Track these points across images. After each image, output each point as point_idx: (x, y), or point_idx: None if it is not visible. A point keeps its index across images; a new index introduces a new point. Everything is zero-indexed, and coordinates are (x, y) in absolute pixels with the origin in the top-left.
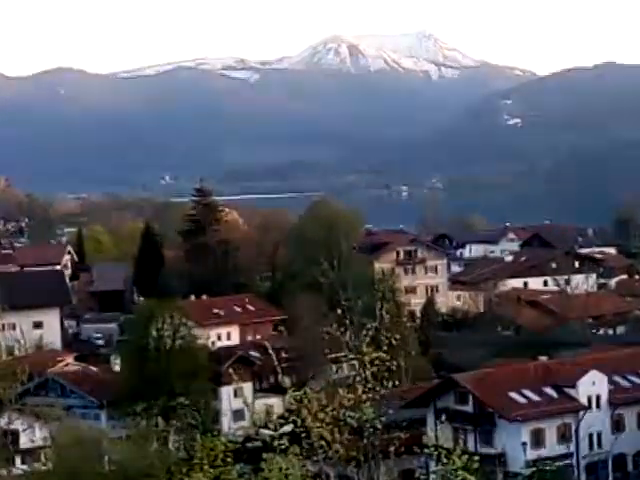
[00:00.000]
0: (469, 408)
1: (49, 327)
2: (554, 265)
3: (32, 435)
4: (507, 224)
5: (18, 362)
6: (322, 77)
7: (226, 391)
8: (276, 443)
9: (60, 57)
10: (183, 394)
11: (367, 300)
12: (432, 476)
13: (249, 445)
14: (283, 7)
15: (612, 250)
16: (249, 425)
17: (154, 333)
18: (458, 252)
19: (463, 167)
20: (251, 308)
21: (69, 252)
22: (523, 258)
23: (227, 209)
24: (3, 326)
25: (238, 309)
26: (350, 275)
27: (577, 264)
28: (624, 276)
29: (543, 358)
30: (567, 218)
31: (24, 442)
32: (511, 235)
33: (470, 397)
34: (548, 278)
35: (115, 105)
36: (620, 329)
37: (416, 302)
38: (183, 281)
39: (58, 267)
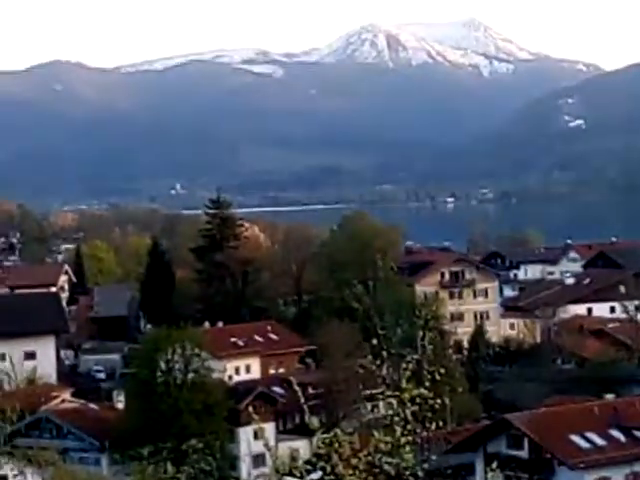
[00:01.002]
0: (524, 453)
1: (43, 358)
2: (622, 289)
3: None
4: (568, 241)
5: (8, 398)
6: (356, 72)
7: (245, 432)
8: None
9: (57, 49)
10: (196, 436)
11: (407, 328)
12: None
13: None
14: None
15: None
16: (271, 472)
17: (163, 365)
18: (511, 273)
19: (517, 176)
20: (274, 337)
21: (66, 272)
22: (587, 281)
23: (247, 223)
24: None
25: (259, 338)
26: (387, 300)
27: None
28: None
29: (610, 396)
30: (637, 234)
31: None
32: (573, 254)
33: (525, 440)
34: (616, 304)
35: (118, 103)
36: None
37: (463, 331)
38: (196, 306)
39: (54, 289)
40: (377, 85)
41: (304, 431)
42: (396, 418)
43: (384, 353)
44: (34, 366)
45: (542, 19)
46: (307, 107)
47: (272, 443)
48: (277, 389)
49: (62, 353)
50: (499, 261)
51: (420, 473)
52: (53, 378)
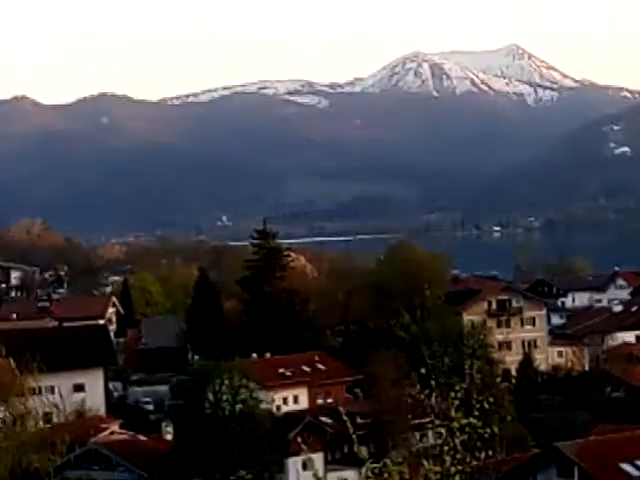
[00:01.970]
0: None
1: (92, 390)
2: None
3: None
4: (616, 268)
5: (57, 430)
6: (400, 101)
7: (294, 463)
8: None
9: (102, 82)
10: (244, 467)
11: (455, 357)
12: None
13: None
14: (354, 22)
15: None
16: None
17: (211, 397)
18: (559, 301)
19: (563, 203)
20: (321, 367)
21: (114, 304)
22: (634, 308)
23: (293, 253)
24: (40, 389)
25: (307, 368)
26: (435, 329)
27: None
28: None
29: None
30: None
31: None
32: (620, 281)
33: (575, 469)
34: None
35: (164, 135)
36: None
37: (511, 359)
38: (243, 337)
39: (102, 321)
40: (421, 114)
41: (353, 461)
42: (445, 447)
43: (432, 382)
44: (83, 398)
45: (586, 46)
46: (352, 137)
47: (321, 473)
48: (325, 419)
49: (111, 385)
50: (546, 289)
51: None
52: (102, 410)
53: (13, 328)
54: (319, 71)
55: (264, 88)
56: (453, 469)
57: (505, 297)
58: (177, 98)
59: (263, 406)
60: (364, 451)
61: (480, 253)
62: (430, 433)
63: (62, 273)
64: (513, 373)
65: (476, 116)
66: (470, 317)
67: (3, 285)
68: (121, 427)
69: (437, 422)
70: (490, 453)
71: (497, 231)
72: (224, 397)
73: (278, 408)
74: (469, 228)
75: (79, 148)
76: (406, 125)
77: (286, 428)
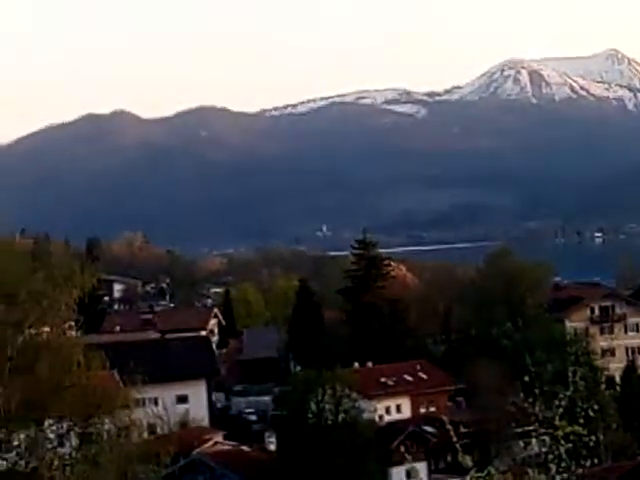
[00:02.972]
0: None
1: (195, 401)
2: None
3: None
4: None
5: (161, 442)
6: (499, 109)
7: (397, 472)
8: None
9: (201, 95)
10: (348, 476)
11: (558, 365)
12: None
13: None
14: (451, 30)
15: None
16: None
17: (313, 407)
18: None
19: None
20: (424, 376)
21: (215, 315)
22: None
23: (393, 263)
24: (144, 401)
25: (409, 377)
26: (537, 336)
27: None
28: None
29: None
30: None
31: None
32: None
33: None
34: None
35: (263, 147)
36: None
37: (615, 366)
38: (345, 346)
39: (204, 333)
40: (520, 121)
41: (456, 470)
42: (550, 456)
43: (536, 390)
44: (186, 409)
45: None
46: (450, 146)
47: None
48: (428, 428)
49: (213, 396)
50: None
51: None
52: (205, 421)
53: (117, 340)
54: (417, 80)
55: (362, 98)
56: (558, 477)
57: (608, 303)
58: (275, 109)
59: (366, 415)
60: (468, 460)
61: (582, 260)
62: (534, 441)
63: (164, 285)
64: (617, 380)
65: (576, 122)
66: (573, 324)
67: (106, 298)
68: (224, 438)
69: (541, 430)
70: (595, 461)
71: (598, 237)
72: (327, 407)
73: (381, 417)
74: (570, 235)
75: (179, 161)
76: (505, 133)
77: (389, 437)
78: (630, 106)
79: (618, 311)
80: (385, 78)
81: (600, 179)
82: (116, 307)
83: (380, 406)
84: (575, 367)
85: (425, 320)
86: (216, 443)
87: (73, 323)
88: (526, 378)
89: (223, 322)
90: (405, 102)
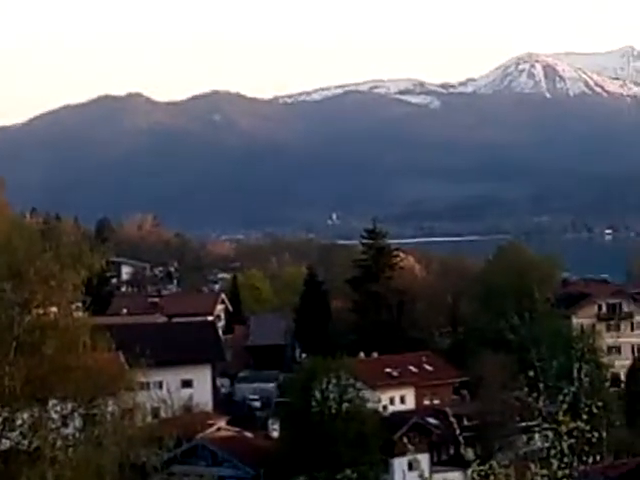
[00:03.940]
0: None
1: (199, 386)
2: None
3: None
4: None
5: (164, 425)
6: (513, 102)
7: (399, 463)
8: None
9: (215, 80)
10: (350, 466)
11: (563, 361)
12: None
13: None
14: (466, 22)
15: None
16: None
17: (318, 395)
18: None
19: None
20: (429, 368)
21: (223, 301)
22: None
23: (402, 253)
24: (148, 384)
25: (414, 369)
26: (544, 331)
27: None
28: None
29: None
30: None
31: None
32: None
33: None
34: None
35: (276, 133)
36: None
37: (620, 364)
38: (351, 336)
39: (210, 318)
40: (534, 116)
41: (459, 462)
42: (553, 451)
43: (540, 385)
44: (190, 394)
45: None
46: (463, 138)
47: (427, 474)
48: (432, 420)
49: (218, 381)
50: None
51: None
52: (209, 406)
53: (123, 323)
54: (431, 71)
55: (376, 87)
56: (560, 473)
57: (616, 301)
58: (289, 96)
59: (370, 405)
60: (470, 453)
61: (591, 256)
62: (537, 436)
63: (172, 269)
64: (622, 378)
65: (590, 118)
66: (580, 320)
67: (114, 280)
68: (228, 423)
69: (545, 425)
70: (597, 458)
71: (609, 234)
72: (331, 396)
73: (384, 408)
74: (580, 230)
75: (191, 145)
76: (518, 126)
77: (392, 428)
78: None
79: (625, 309)
80: (399, 68)
81: (612, 176)
82: (124, 289)
83: (384, 396)
84: (580, 363)
85: (432, 312)
86: (219, 429)
87: (80, 304)
88: (531, 373)
89: (230, 308)
90: (419, 93)
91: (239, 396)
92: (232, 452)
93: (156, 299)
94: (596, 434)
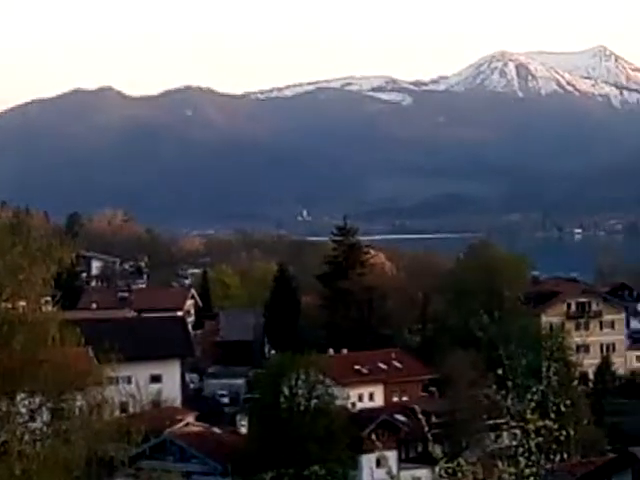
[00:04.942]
0: None
1: (168, 381)
2: None
3: None
4: None
5: (132, 420)
6: (485, 101)
7: (367, 460)
8: None
9: (187, 75)
10: (318, 462)
11: (532, 359)
12: None
13: None
14: (439, 20)
15: None
16: None
17: (286, 391)
18: (639, 305)
19: None
20: (398, 365)
21: (192, 296)
22: None
23: (373, 250)
24: (117, 379)
25: (383, 366)
26: (513, 329)
27: None
28: None
29: None
30: None
31: None
32: None
33: None
34: None
35: (248, 129)
36: None
37: (589, 362)
38: (320, 332)
39: (180, 313)
40: (506, 114)
41: (427, 460)
42: (520, 449)
43: (509, 383)
44: (159, 389)
45: None
46: (435, 135)
47: (394, 471)
48: (400, 417)
49: (187, 377)
50: (627, 293)
51: None
52: (178, 401)
53: (92, 317)
54: (404, 69)
55: (348, 84)
56: (527, 471)
57: (585, 300)
58: (261, 92)
59: (338, 402)
60: (438, 450)
61: (561, 255)
62: (505, 434)
63: (142, 264)
64: (591, 376)
65: (561, 117)
66: (549, 319)
67: (84, 274)
68: (196, 419)
69: (512, 423)
70: (565, 456)
71: (579, 233)
72: (300, 392)
73: (353, 405)
74: (550, 229)
75: (163, 140)
76: (490, 125)
77: (361, 425)
78: (615, 103)
79: (594, 308)
80: (372, 65)
81: (583, 175)
82: (93, 284)
83: (353, 393)
84: (549, 362)
85: (402, 309)
86: (188, 424)
87: (50, 298)
88: (500, 371)
89: (200, 303)
90: (391, 90)
91: (208, 392)
92: (200, 447)
93: (126, 294)
94: (564, 432)
